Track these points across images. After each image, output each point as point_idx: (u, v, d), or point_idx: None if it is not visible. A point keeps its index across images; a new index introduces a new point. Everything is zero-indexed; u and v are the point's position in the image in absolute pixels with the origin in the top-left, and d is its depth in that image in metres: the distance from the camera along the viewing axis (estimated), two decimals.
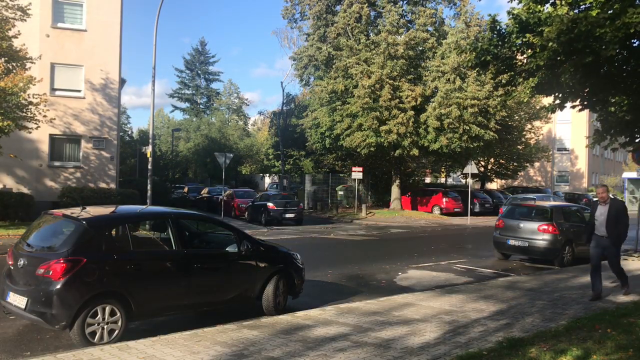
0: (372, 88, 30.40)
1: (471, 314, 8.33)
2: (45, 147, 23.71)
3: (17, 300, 6.80)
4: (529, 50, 11.39)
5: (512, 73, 12.64)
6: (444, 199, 34.91)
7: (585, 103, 13.30)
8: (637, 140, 14.36)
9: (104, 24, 24.65)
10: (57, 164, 24.15)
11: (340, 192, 39.07)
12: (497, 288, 10.73)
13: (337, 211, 34.96)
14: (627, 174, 48.53)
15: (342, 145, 34.34)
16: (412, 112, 30.52)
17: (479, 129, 30.82)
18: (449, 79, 30.96)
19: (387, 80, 30.61)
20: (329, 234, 22.76)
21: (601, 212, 9.77)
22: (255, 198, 30.32)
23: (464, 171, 33.07)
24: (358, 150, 33.37)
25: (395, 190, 35.84)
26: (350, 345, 6.48)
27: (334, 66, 34.09)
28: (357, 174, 32.34)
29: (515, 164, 44.30)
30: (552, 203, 19.56)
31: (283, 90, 64.29)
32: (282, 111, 53.64)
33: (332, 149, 37.67)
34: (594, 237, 9.88)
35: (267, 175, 62.89)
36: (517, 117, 40.44)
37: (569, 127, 58.83)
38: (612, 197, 10.07)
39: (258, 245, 8.70)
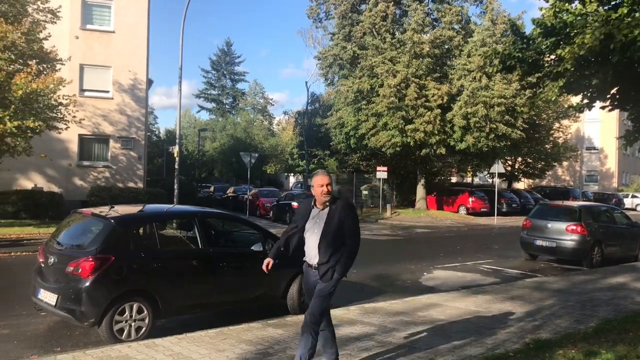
0: (398, 87, 30.28)
1: (498, 315, 8.23)
2: (74, 147, 24.16)
3: (47, 297, 6.94)
4: (558, 51, 11.17)
5: (539, 74, 12.43)
6: (470, 199, 34.60)
7: (616, 103, 13.02)
8: None
9: (132, 25, 25.02)
10: (86, 163, 24.59)
11: (365, 192, 38.97)
12: (524, 289, 10.59)
13: (362, 211, 34.84)
14: None
15: (366, 145, 34.26)
16: (439, 111, 30.33)
17: (505, 127, 30.50)
18: (475, 77, 30.66)
19: (413, 79, 30.47)
20: None
21: (315, 220, 5.18)
22: (280, 197, 30.42)
23: (491, 170, 32.75)
24: (383, 150, 33.26)
25: (420, 190, 35.62)
26: (375, 345, 6.47)
27: (359, 65, 34.02)
28: (381, 173, 32.19)
29: (543, 163, 43.68)
30: (581, 203, 19.23)
31: (307, 90, 64.41)
32: (307, 111, 53.70)
33: (357, 148, 37.59)
34: (305, 271, 5.35)
35: (292, 174, 63.02)
36: (544, 116, 39.87)
37: (598, 125, 57.71)
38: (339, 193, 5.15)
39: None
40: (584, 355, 6.03)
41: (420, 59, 31.13)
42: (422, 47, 30.94)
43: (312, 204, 5.28)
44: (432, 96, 30.46)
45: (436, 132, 30.46)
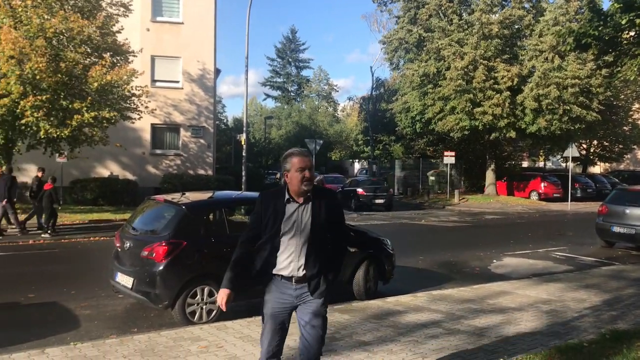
0: (465, 69, 29.56)
1: (571, 303, 7.96)
2: (147, 136, 25.05)
3: (124, 280, 7.27)
4: (638, 21, 10.53)
5: (617, 52, 11.79)
6: (543, 184, 33.46)
7: None
8: None
9: (200, 16, 25.58)
10: (158, 151, 25.46)
11: (432, 178, 38.44)
12: (600, 277, 10.18)
13: (428, 197, 34.44)
14: None
15: (433, 130, 33.72)
16: (508, 93, 29.44)
17: (580, 109, 29.26)
18: (547, 58, 29.51)
19: (481, 60, 29.67)
20: (420, 220, 22.49)
21: (295, 219, 3.79)
22: (345, 184, 30.49)
23: (564, 154, 31.54)
24: (450, 134, 32.64)
25: (489, 175, 34.78)
26: (442, 332, 6.40)
27: (425, 48, 33.41)
28: (449, 158, 31.64)
29: (620, 146, 41.57)
30: None
31: (372, 75, 64.10)
32: (372, 96, 53.35)
33: (423, 133, 37.08)
34: (275, 286, 3.89)
35: (357, 160, 62.89)
36: (622, 97, 37.86)
37: None
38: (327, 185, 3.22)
39: (348, 230, 8.75)
40: None
41: (489, 40, 30.22)
42: (491, 28, 30.01)
43: (287, 197, 3.79)
44: (502, 78, 29.57)
45: (505, 115, 29.60)
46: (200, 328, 6.54)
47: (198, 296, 7.05)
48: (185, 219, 7.25)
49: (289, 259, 3.80)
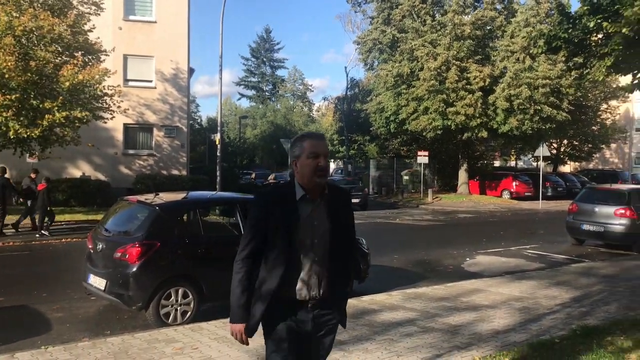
0: (438, 70, 29.86)
1: (543, 300, 8.10)
2: (120, 135, 24.71)
3: (97, 282, 7.18)
4: (604, 24, 10.75)
5: (586, 55, 12.02)
6: (514, 183, 33.98)
7: None
8: None
9: (173, 14, 25.32)
10: (131, 152, 25.14)
11: (406, 177, 38.74)
12: (571, 274, 10.37)
13: (403, 196, 34.69)
14: None
15: (407, 130, 33.97)
16: (481, 94, 29.82)
17: (550, 109, 29.80)
18: (518, 59, 29.99)
19: (454, 61, 29.99)
20: (395, 219, 22.63)
21: (310, 222, 2.97)
22: None
23: (535, 154, 32.07)
24: (424, 134, 32.93)
25: (462, 175, 35.17)
26: (417, 331, 6.45)
27: (398, 49, 33.65)
28: (422, 158, 31.94)
29: (590, 145, 42.40)
30: (630, 186, 18.66)
31: (347, 75, 64.26)
32: (346, 96, 53.49)
33: (397, 133, 37.33)
34: (282, 313, 2.99)
35: (332, 160, 62.92)
36: (591, 97, 38.64)
37: None
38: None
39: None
40: (633, 342, 5.88)
41: (462, 41, 30.57)
42: (463, 29, 30.37)
43: (302, 193, 3.00)
44: (474, 79, 29.94)
45: (477, 115, 29.96)
46: (175, 330, 6.49)
47: (172, 298, 6.99)
48: (159, 220, 7.19)
49: (297, 274, 2.98)
